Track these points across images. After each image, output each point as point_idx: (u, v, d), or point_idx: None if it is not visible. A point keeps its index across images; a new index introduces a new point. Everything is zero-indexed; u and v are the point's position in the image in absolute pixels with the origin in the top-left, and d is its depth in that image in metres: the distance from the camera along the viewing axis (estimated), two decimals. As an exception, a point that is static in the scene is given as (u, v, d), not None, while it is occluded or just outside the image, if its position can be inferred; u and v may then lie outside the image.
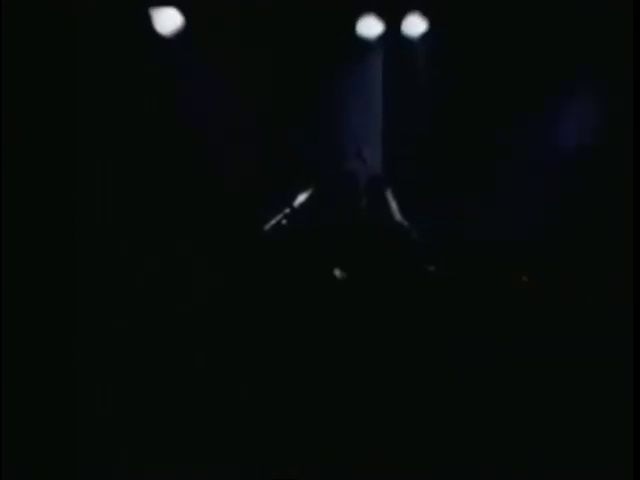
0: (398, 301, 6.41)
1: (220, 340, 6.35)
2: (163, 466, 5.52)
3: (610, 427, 5.73)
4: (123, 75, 7.21)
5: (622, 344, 5.92)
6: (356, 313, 6.36)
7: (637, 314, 5.85)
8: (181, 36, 7.48)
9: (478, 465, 5.57)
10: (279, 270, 6.77)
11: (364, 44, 7.78)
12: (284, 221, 6.84)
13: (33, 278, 6.02)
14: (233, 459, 5.57)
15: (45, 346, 5.91)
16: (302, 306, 6.45)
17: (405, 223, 6.85)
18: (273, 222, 6.86)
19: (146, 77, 7.35)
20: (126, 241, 6.87)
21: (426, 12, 7.64)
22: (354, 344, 6.22)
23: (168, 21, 7.46)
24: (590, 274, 6.80)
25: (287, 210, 6.88)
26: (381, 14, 7.66)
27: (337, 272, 6.61)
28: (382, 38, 7.75)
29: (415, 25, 7.69)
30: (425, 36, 7.71)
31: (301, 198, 6.95)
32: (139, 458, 5.60)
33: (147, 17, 7.35)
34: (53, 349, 5.91)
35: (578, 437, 5.73)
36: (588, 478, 5.42)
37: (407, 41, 7.77)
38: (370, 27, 7.70)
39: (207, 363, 6.23)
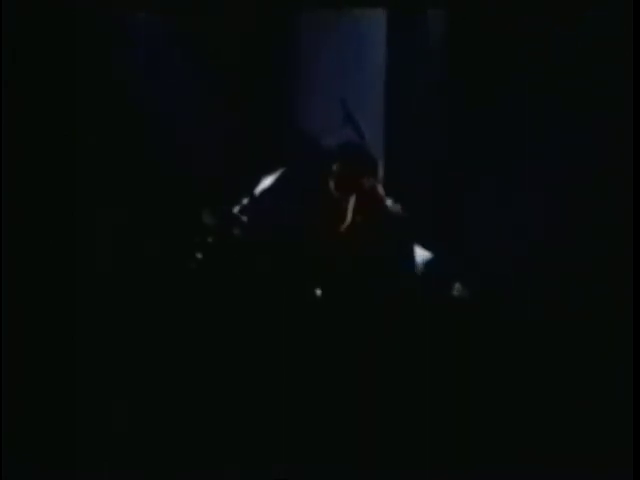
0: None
1: (216, 339, 6.13)
2: (163, 466, 5.55)
3: (609, 428, 5.67)
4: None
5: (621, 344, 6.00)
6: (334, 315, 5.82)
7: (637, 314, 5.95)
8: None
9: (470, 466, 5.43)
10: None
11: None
12: (244, 217, 5.47)
13: (33, 277, 6.32)
14: (233, 459, 5.59)
15: (45, 345, 6.17)
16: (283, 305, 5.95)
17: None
18: (229, 217, 5.49)
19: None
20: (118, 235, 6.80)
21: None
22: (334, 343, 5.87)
23: None
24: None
25: (245, 202, 5.44)
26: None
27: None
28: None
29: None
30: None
31: (266, 182, 5.55)
32: (139, 458, 5.62)
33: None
34: (53, 348, 6.16)
35: (577, 437, 5.64)
36: (587, 478, 5.34)
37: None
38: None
39: (205, 361, 6.07)
